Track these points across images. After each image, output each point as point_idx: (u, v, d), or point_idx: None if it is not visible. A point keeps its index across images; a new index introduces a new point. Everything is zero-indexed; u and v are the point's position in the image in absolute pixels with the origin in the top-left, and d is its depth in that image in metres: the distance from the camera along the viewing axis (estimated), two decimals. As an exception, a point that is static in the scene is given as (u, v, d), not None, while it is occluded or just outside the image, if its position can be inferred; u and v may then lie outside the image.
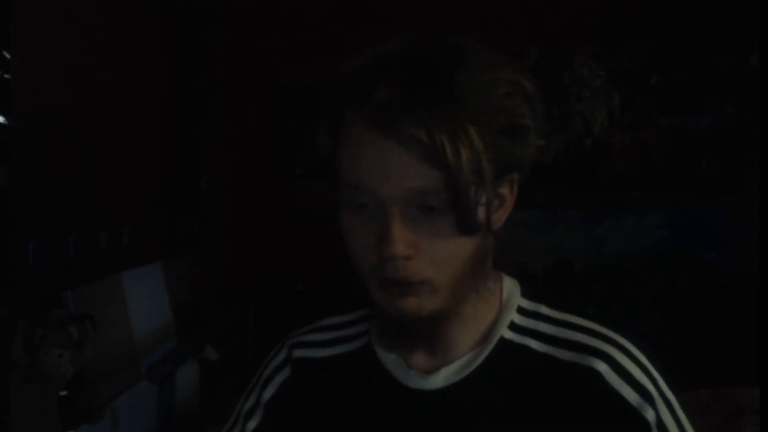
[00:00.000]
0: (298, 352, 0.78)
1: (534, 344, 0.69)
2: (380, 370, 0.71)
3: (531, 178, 0.66)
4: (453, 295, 0.64)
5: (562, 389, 0.65)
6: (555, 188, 2.62)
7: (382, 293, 0.63)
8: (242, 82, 2.67)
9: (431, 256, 0.61)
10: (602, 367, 0.65)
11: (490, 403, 0.67)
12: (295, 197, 2.66)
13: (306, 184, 2.66)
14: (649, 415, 0.64)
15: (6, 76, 1.30)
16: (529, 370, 0.67)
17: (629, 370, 0.66)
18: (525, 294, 0.73)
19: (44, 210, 1.44)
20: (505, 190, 0.65)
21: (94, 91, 1.65)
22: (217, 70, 2.60)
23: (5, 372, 1.33)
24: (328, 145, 0.64)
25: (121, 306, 1.87)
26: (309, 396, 0.75)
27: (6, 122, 1.30)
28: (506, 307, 0.71)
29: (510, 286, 0.73)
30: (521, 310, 0.71)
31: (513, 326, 0.70)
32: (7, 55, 1.30)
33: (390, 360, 0.71)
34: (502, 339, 0.69)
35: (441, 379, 0.68)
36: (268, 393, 0.78)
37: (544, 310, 0.71)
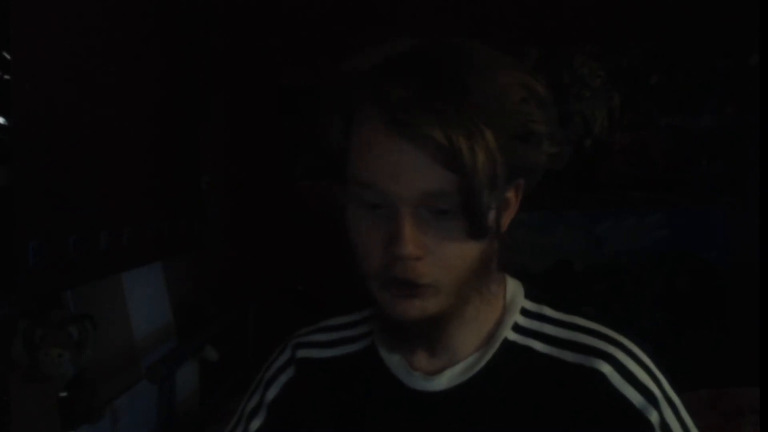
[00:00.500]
0: (302, 353, 0.78)
1: (537, 346, 0.69)
2: (384, 372, 0.71)
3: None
4: (456, 298, 0.64)
5: (565, 391, 0.65)
6: (555, 188, 2.62)
7: (387, 294, 0.63)
8: (242, 82, 2.67)
9: (439, 259, 0.61)
10: (606, 368, 0.65)
11: (494, 404, 0.67)
12: (295, 197, 2.66)
13: (306, 184, 2.66)
14: (653, 416, 0.64)
15: (6, 76, 1.30)
16: (533, 371, 0.67)
17: (633, 371, 0.66)
18: (528, 295, 0.73)
19: (44, 210, 1.44)
20: (510, 195, 0.65)
21: (94, 91, 1.65)
22: (217, 70, 2.60)
23: (5, 372, 1.33)
24: (337, 144, 0.64)
25: (121, 306, 1.87)
26: (312, 396, 0.75)
27: (6, 122, 1.30)
28: (510, 309, 0.71)
29: (513, 287, 0.73)
30: (525, 312, 0.71)
31: (516, 328, 0.70)
32: (7, 56, 1.30)
33: (393, 361, 0.71)
34: (506, 340, 0.69)
35: (445, 380, 0.68)
36: (272, 393, 0.78)
37: (548, 311, 0.71)
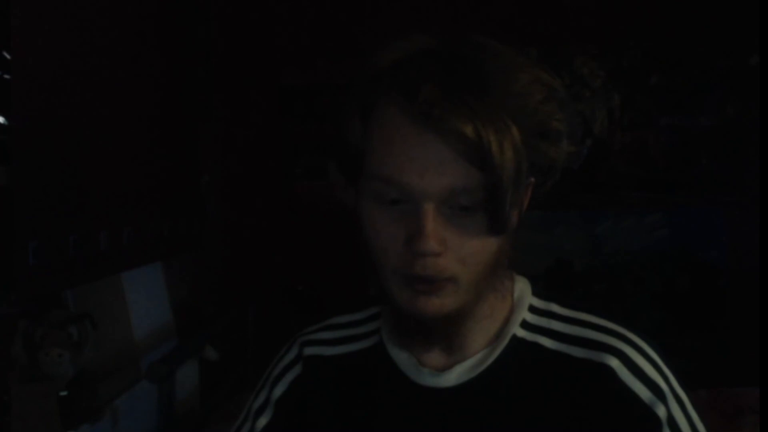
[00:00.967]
0: (309, 350, 0.78)
1: (546, 342, 0.69)
2: (392, 368, 0.71)
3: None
4: (474, 294, 0.64)
5: (574, 386, 0.66)
6: (555, 188, 2.62)
7: (405, 290, 0.62)
8: (242, 82, 2.67)
9: (459, 254, 0.61)
10: (614, 363, 0.65)
11: (503, 400, 0.67)
12: (295, 197, 2.66)
13: (306, 184, 2.66)
14: (661, 411, 0.64)
15: (6, 76, 1.30)
16: (542, 367, 0.68)
17: (641, 366, 0.66)
18: (536, 293, 0.73)
19: (44, 210, 1.44)
20: (523, 192, 0.65)
21: (94, 91, 1.65)
22: (217, 70, 2.60)
23: (5, 372, 1.33)
24: (356, 140, 0.63)
25: (121, 306, 1.87)
26: (320, 394, 0.75)
27: (6, 122, 1.30)
28: (518, 306, 0.71)
29: (522, 285, 0.73)
30: (533, 309, 0.72)
31: (525, 324, 0.70)
32: (7, 56, 1.30)
33: (402, 358, 0.71)
34: (515, 337, 0.69)
35: (454, 377, 0.68)
36: (279, 390, 0.78)
37: (556, 308, 0.72)
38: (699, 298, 2.63)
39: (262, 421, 0.77)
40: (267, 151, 2.70)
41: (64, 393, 1.47)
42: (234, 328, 2.38)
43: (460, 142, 0.56)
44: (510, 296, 0.72)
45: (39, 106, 1.41)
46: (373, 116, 0.62)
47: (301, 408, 0.76)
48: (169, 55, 2.23)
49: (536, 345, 0.69)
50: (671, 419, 0.64)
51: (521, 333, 0.70)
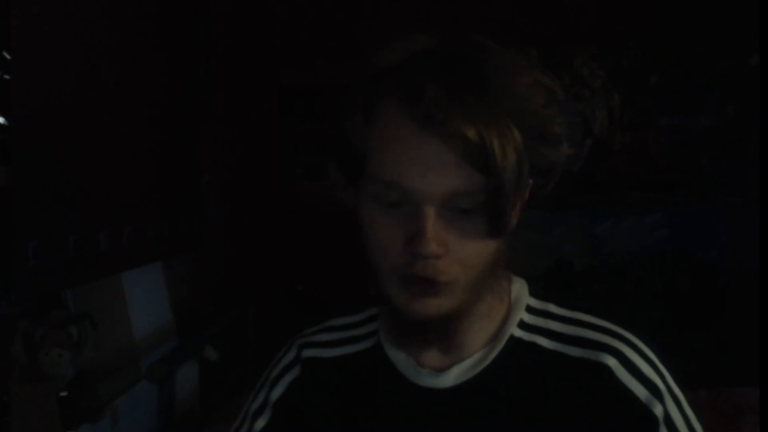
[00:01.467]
0: (308, 352, 0.78)
1: (543, 342, 0.69)
2: (390, 369, 0.71)
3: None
4: (471, 295, 0.64)
5: (571, 385, 0.66)
6: (555, 188, 2.62)
7: (404, 292, 0.62)
8: (242, 82, 2.67)
9: (459, 257, 0.61)
10: (611, 362, 0.66)
11: (501, 400, 0.67)
12: (295, 197, 2.66)
13: (305, 184, 2.66)
14: (658, 410, 0.64)
15: (6, 76, 1.30)
16: (539, 367, 0.68)
17: (638, 365, 0.66)
18: (533, 293, 0.73)
19: (44, 210, 1.44)
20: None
21: (94, 91, 1.65)
22: (217, 70, 2.60)
23: (5, 372, 1.33)
24: (357, 141, 0.63)
25: (121, 306, 1.87)
26: (318, 396, 0.75)
27: (6, 122, 1.30)
28: (516, 306, 0.71)
29: (519, 285, 0.73)
30: (530, 309, 0.72)
31: (522, 324, 0.70)
32: (7, 56, 1.30)
33: (400, 359, 0.71)
34: (512, 337, 0.70)
35: (452, 377, 0.68)
36: (277, 392, 0.78)
37: (553, 308, 0.72)
38: (699, 298, 2.63)
39: (260, 423, 0.77)
40: (267, 151, 2.70)
41: (64, 393, 1.47)
42: (234, 328, 2.38)
43: (462, 144, 0.56)
44: (507, 297, 0.72)
45: (39, 106, 1.41)
46: (374, 117, 0.61)
47: (299, 410, 0.76)
48: (169, 55, 2.23)
49: (534, 345, 0.69)
50: (668, 418, 0.65)
51: (519, 333, 0.70)
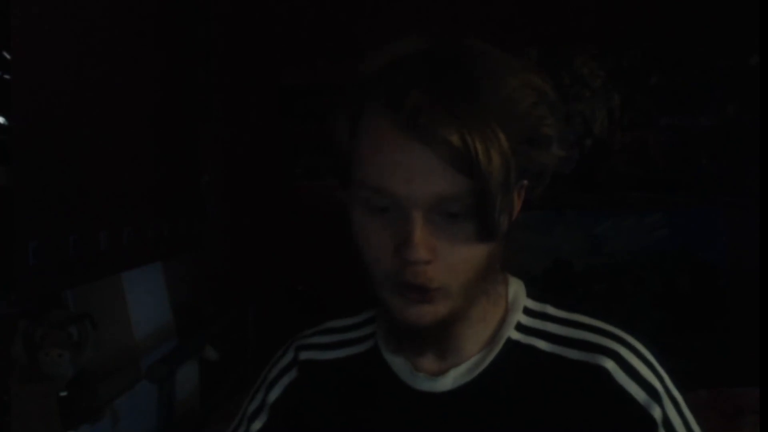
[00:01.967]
0: (305, 355, 0.78)
1: (541, 344, 0.69)
2: (387, 373, 0.71)
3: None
4: (465, 300, 0.63)
5: (569, 388, 0.66)
6: (555, 188, 2.62)
7: (397, 299, 0.62)
8: (242, 82, 2.67)
9: (449, 262, 0.60)
10: (609, 364, 0.65)
11: (499, 403, 0.67)
12: (295, 197, 2.66)
13: (305, 184, 2.66)
14: (656, 412, 0.64)
15: (6, 76, 1.30)
16: (537, 369, 0.67)
17: (636, 367, 0.66)
18: (531, 294, 0.73)
19: (44, 210, 1.44)
20: (514, 196, 0.65)
21: (94, 91, 1.65)
22: (217, 70, 2.60)
23: (5, 372, 1.33)
24: (343, 146, 0.63)
25: (121, 306, 1.87)
26: (316, 398, 0.75)
27: (6, 122, 1.30)
28: (512, 308, 0.71)
29: (516, 287, 0.73)
30: (527, 311, 0.71)
31: (520, 327, 0.70)
32: (7, 55, 1.30)
33: (397, 363, 0.71)
34: (510, 340, 0.69)
35: (449, 381, 0.68)
36: (274, 394, 0.78)
37: (551, 310, 0.71)
38: (699, 298, 2.63)
39: (257, 425, 0.77)
40: (267, 151, 2.70)
41: (64, 393, 1.47)
42: (234, 328, 2.38)
43: (446, 149, 0.56)
44: (504, 299, 0.72)
45: (39, 106, 1.41)
46: (361, 123, 0.61)
47: (296, 412, 0.76)
48: (169, 55, 2.23)
49: (531, 347, 0.69)
50: (666, 420, 0.64)
51: (516, 336, 0.69)
